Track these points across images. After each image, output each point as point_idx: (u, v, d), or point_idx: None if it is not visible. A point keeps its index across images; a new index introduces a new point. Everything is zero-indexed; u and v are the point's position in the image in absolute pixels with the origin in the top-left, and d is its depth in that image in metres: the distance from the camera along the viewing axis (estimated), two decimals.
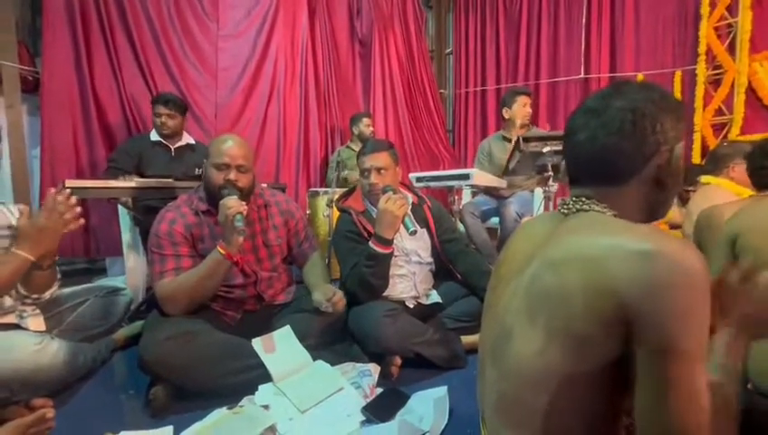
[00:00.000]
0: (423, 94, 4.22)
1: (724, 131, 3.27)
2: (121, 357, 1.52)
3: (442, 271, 1.69)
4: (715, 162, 1.75)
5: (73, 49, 2.41)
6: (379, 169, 1.52)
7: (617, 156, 0.59)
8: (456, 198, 2.43)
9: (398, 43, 3.98)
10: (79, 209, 1.14)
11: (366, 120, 3.17)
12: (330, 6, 3.57)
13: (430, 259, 1.64)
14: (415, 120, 4.14)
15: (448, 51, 4.74)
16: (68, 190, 1.13)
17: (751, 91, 3.16)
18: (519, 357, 0.57)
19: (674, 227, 2.29)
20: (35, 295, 1.26)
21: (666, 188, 0.60)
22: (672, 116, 0.59)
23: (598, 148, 0.59)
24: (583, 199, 0.62)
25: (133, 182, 1.81)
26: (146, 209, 1.93)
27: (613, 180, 0.60)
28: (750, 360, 0.76)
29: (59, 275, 1.32)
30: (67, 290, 1.48)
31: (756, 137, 2.90)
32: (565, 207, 0.65)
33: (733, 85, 3.19)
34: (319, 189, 2.70)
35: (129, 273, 1.96)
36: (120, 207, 1.95)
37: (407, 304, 1.55)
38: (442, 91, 4.68)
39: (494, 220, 2.61)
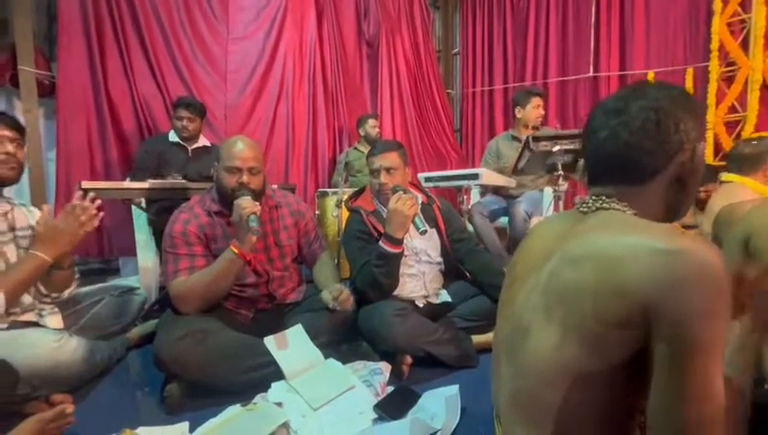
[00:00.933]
0: (430, 94, 4.22)
1: (738, 129, 3.22)
2: (136, 355, 1.55)
3: (452, 270, 1.68)
4: (740, 162, 1.70)
5: (87, 53, 2.47)
6: (388, 169, 1.53)
7: (639, 154, 0.59)
8: (465, 197, 2.43)
9: (405, 44, 3.98)
10: (98, 203, 1.20)
11: (372, 122, 3.18)
12: (337, 8, 3.59)
13: (440, 259, 1.64)
14: (422, 120, 4.14)
15: (455, 51, 4.73)
16: (91, 194, 1.18)
17: (765, 87, 3.10)
18: (535, 353, 0.57)
19: (686, 226, 2.26)
20: (54, 294, 1.30)
21: (686, 187, 0.61)
22: (693, 115, 0.59)
23: (620, 146, 0.59)
24: (603, 198, 0.62)
25: (146, 183, 1.84)
26: (159, 210, 1.96)
27: (634, 179, 0.60)
28: (767, 357, 0.75)
29: (77, 275, 1.35)
30: (83, 289, 1.51)
31: None
32: (584, 205, 0.64)
33: (746, 82, 3.13)
34: (328, 190, 2.71)
35: (143, 272, 1.99)
36: (133, 207, 1.99)
37: (416, 303, 1.55)
38: (449, 91, 4.67)
39: (503, 220, 2.60)
